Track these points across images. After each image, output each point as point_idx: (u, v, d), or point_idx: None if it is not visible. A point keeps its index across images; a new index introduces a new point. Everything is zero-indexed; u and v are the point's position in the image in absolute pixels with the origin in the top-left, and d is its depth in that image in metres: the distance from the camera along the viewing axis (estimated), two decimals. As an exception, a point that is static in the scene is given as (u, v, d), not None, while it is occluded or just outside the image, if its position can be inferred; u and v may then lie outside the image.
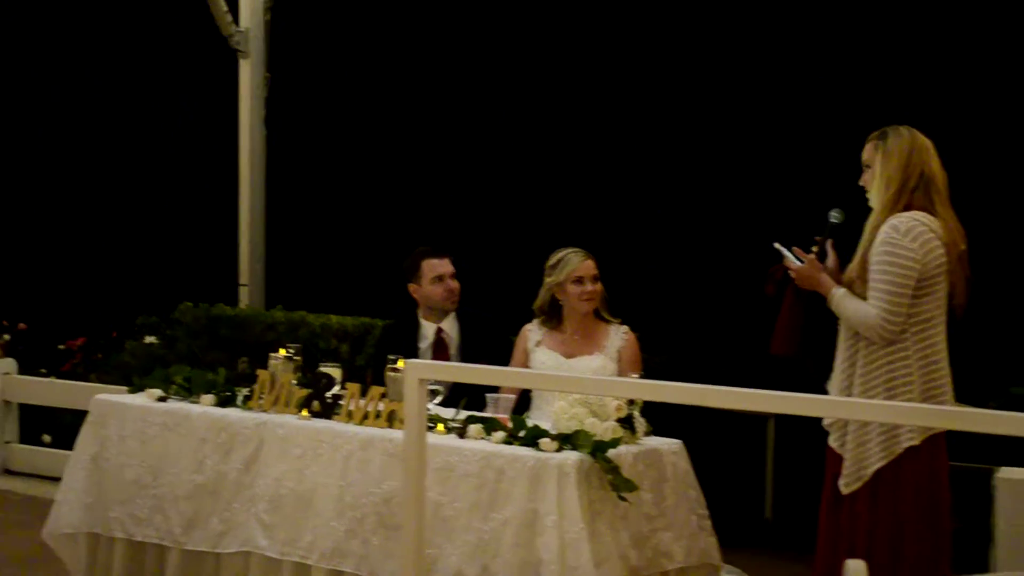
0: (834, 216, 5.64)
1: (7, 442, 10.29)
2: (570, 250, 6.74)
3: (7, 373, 10.32)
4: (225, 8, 10.17)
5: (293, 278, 10.62)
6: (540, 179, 9.56)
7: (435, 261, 7.16)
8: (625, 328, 6.75)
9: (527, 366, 6.72)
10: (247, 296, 10.43)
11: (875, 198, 5.40)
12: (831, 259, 5.58)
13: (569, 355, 6.70)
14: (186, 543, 6.08)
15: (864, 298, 5.33)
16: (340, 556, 5.62)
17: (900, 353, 5.28)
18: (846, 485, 5.32)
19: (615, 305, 6.82)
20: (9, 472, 10.14)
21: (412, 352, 6.99)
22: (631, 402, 5.56)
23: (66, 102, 11.98)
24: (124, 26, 11.65)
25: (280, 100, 10.58)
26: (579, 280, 6.66)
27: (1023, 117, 7.94)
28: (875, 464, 5.26)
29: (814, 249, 5.58)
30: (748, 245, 6.31)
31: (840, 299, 5.40)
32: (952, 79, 8.09)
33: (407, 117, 10.15)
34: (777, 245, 5.63)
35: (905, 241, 5.23)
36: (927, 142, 5.40)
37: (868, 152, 5.47)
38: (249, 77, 10.41)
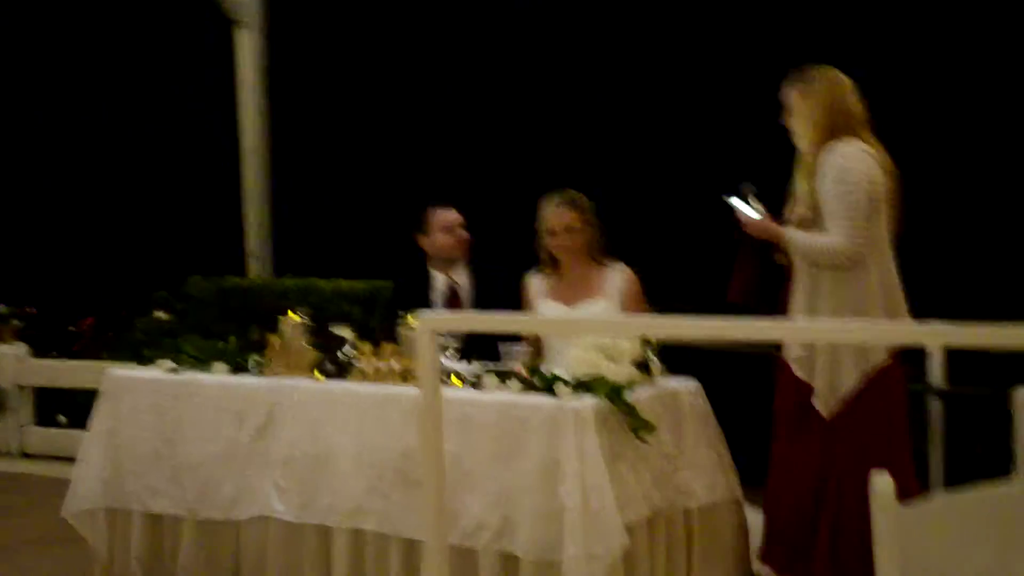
0: (746, 190, 5.77)
1: (23, 425, 10.29)
2: (553, 199, 6.66)
3: (20, 357, 10.31)
4: (221, -22, 10.12)
5: (301, 246, 10.59)
6: (542, 132, 9.52)
7: (444, 211, 7.18)
8: (622, 266, 6.64)
9: None
10: (256, 266, 10.39)
11: (803, 137, 5.56)
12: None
13: (571, 303, 6.61)
14: (200, 512, 6.06)
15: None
16: (361, 515, 5.59)
17: (862, 274, 5.41)
18: (825, 405, 5.42)
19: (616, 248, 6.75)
20: (27, 455, 10.14)
21: (425, 305, 6.97)
22: (647, 344, 5.53)
23: (66, 80, 11.93)
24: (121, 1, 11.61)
25: (280, 68, 10.51)
26: (551, 232, 6.58)
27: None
28: (851, 383, 5.39)
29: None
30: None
31: (797, 237, 5.51)
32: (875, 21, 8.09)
33: (408, 78, 10.11)
34: (729, 199, 5.73)
35: (852, 164, 5.39)
36: (845, 79, 5.57)
37: (790, 94, 5.62)
38: (248, 46, 10.34)
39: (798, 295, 5.52)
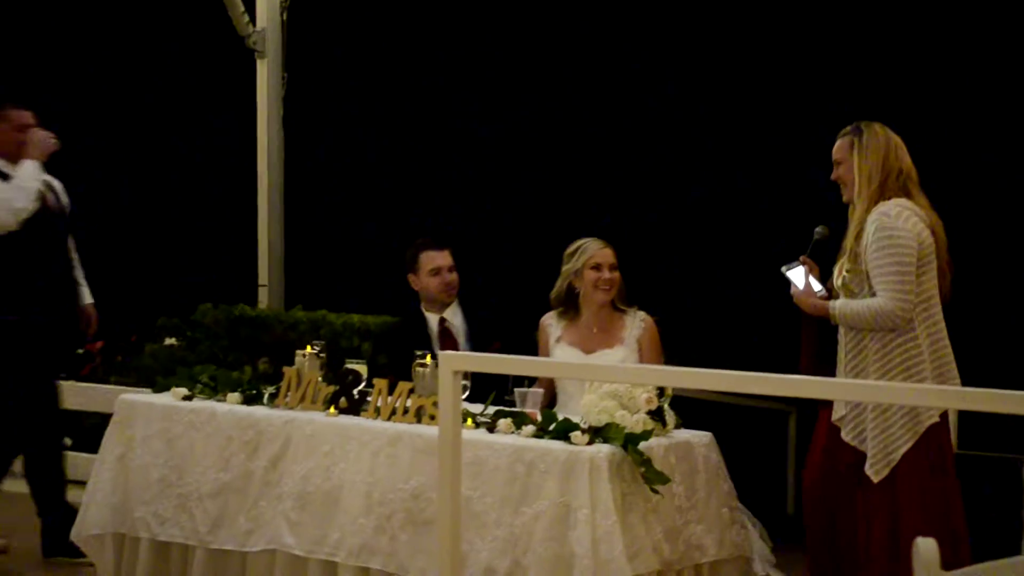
0: (818, 232, 5.80)
1: (24, 446, 10.26)
2: (590, 239, 6.69)
3: (21, 378, 10.28)
4: (242, 9, 10.14)
5: (312, 277, 10.59)
6: (553, 171, 9.55)
7: (433, 253, 7.13)
8: (642, 315, 6.64)
9: None
10: (267, 296, 10.39)
11: (857, 193, 5.53)
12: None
13: (589, 350, 6.60)
14: (212, 542, 6.06)
15: (856, 295, 5.45)
16: (368, 553, 5.59)
17: (910, 334, 5.38)
18: (877, 472, 5.37)
19: (634, 300, 6.75)
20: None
21: (423, 345, 6.95)
22: (661, 394, 5.53)
23: (83, 106, 11.95)
24: (142, 28, 11.64)
25: (298, 99, 10.55)
26: (597, 267, 6.56)
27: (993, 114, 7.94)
28: (903, 446, 5.34)
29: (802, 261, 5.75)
30: (764, 243, 6.35)
31: (843, 308, 5.50)
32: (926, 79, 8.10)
33: (423, 113, 10.14)
34: (787, 271, 5.75)
35: (898, 223, 5.36)
36: (897, 137, 5.55)
37: (843, 149, 5.61)
38: (266, 77, 10.37)
39: (844, 359, 5.51)
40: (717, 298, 8.86)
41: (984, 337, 7.47)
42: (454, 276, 7.13)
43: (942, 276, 5.50)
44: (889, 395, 4.35)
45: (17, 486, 9.70)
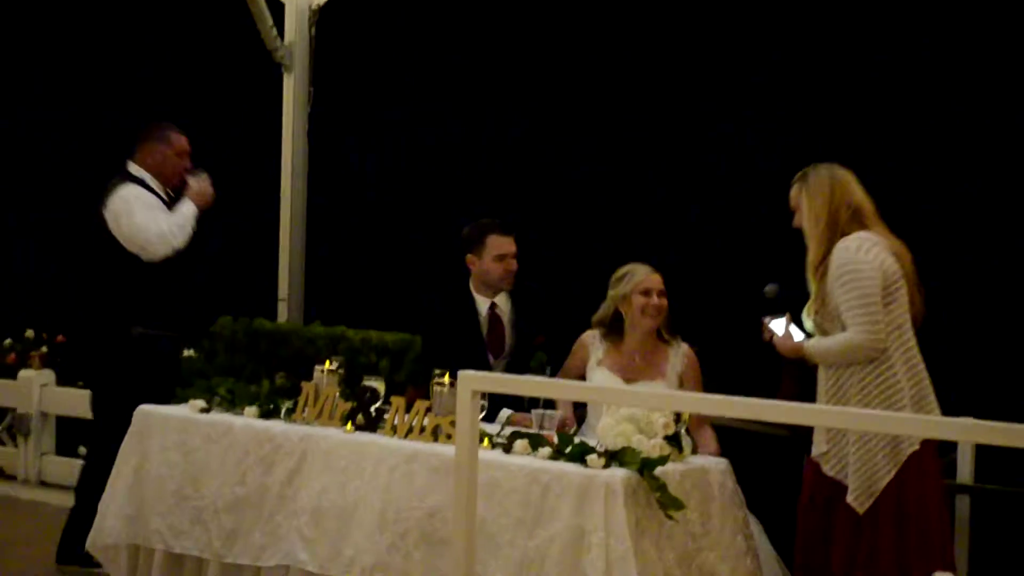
0: (768, 291, 6.01)
1: (43, 453, 10.30)
2: (637, 264, 6.63)
3: (45, 384, 10.33)
4: (270, 23, 10.16)
5: (332, 293, 10.59)
6: (585, 184, 9.50)
7: (501, 239, 7.04)
8: (685, 347, 6.56)
9: (581, 375, 6.64)
10: (286, 311, 10.40)
11: (809, 235, 5.63)
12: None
13: (630, 379, 6.50)
14: (226, 556, 6.06)
15: (830, 333, 5.52)
16: (382, 571, 5.58)
17: (887, 363, 5.43)
18: (861, 504, 5.41)
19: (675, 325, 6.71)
20: (44, 484, 10.14)
21: (473, 328, 6.96)
22: (678, 419, 5.52)
23: (107, 117, 11.99)
24: (170, 40, 11.67)
25: (323, 114, 10.56)
26: (646, 292, 6.50)
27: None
28: (886, 476, 5.38)
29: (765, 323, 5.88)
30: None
31: (815, 346, 5.59)
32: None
33: (449, 128, 10.11)
34: (770, 322, 5.87)
35: (859, 256, 5.44)
36: (846, 174, 5.66)
37: (795, 196, 5.73)
38: (293, 91, 10.39)
39: (824, 396, 5.55)
40: (742, 324, 8.83)
41: (959, 360, 7.44)
42: (515, 264, 7.08)
43: (913, 301, 5.55)
44: (910, 427, 4.34)
45: (29, 493, 9.76)
